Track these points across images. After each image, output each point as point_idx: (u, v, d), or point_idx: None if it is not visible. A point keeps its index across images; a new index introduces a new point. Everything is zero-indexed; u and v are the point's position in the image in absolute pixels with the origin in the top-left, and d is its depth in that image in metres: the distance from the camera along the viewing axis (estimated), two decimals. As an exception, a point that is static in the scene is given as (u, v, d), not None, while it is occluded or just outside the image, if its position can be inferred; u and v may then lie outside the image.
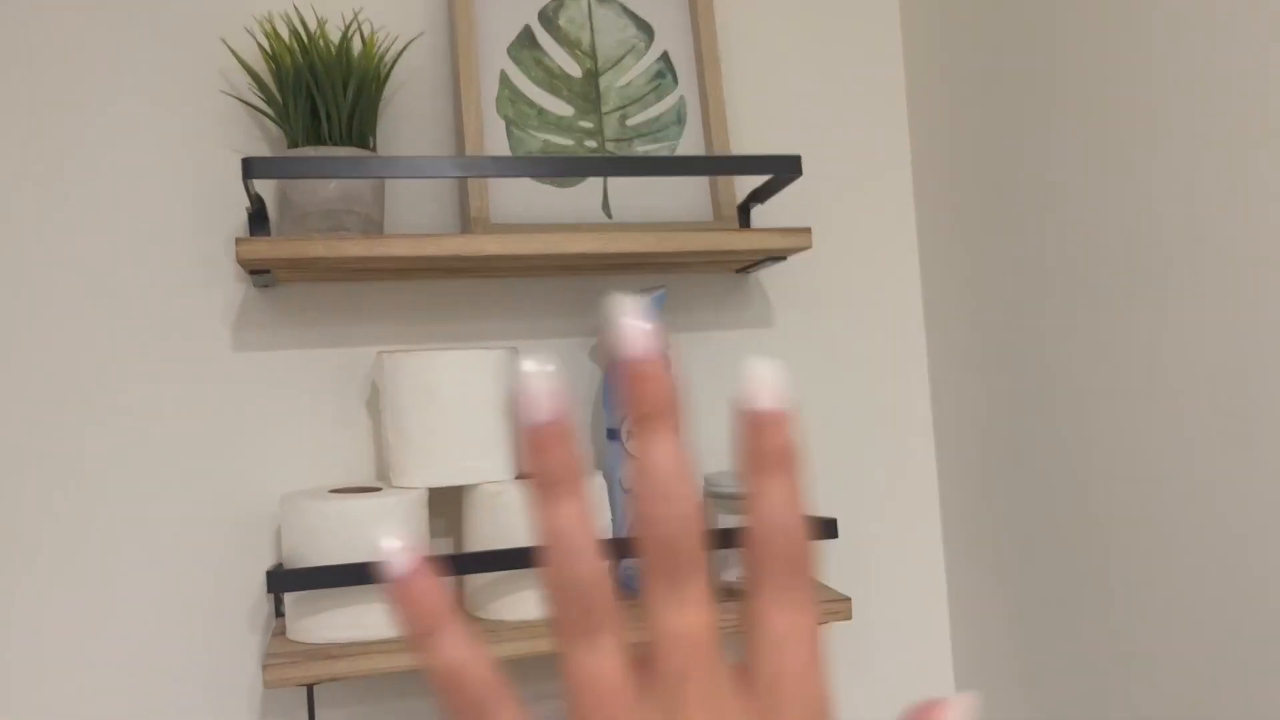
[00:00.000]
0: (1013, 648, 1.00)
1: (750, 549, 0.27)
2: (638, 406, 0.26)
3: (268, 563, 0.96)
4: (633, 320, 0.26)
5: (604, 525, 0.92)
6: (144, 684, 0.92)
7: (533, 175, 0.95)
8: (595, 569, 0.26)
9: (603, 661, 0.26)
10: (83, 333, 0.93)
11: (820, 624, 0.27)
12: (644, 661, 0.27)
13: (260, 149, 0.98)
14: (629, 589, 0.96)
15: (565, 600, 0.26)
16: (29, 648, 0.90)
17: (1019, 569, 0.99)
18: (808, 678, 0.27)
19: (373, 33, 0.92)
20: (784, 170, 0.92)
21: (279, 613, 0.93)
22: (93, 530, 0.92)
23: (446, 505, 0.98)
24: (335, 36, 0.98)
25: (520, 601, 0.89)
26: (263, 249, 0.83)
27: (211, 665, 0.94)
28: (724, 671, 0.27)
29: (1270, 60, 0.68)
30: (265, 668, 0.81)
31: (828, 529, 0.92)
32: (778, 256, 1.00)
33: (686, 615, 0.26)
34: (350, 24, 0.93)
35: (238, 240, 0.82)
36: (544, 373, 0.25)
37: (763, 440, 0.27)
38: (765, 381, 0.27)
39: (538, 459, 0.26)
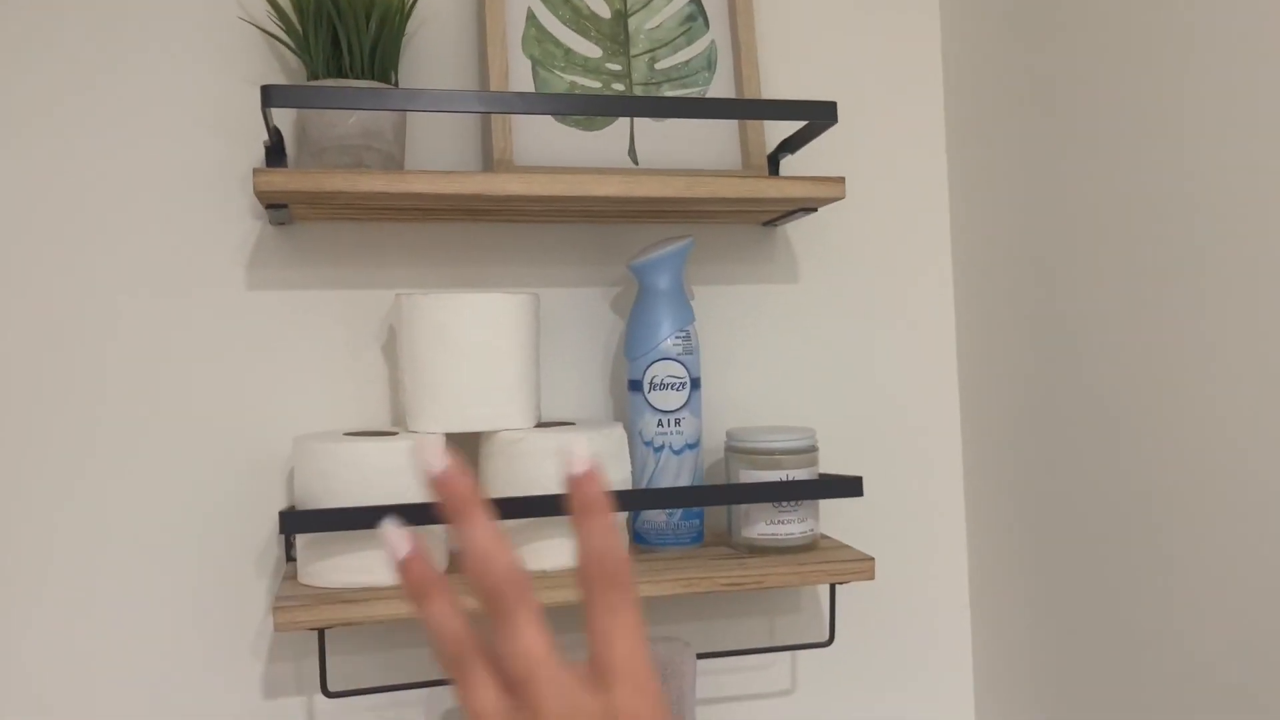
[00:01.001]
0: (1032, 608, 0.98)
1: (580, 571, 0.36)
2: (447, 508, 0.36)
3: (279, 506, 0.94)
4: (428, 450, 0.36)
5: (624, 476, 0.90)
6: (150, 625, 0.91)
7: (558, 113, 0.92)
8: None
9: (488, 692, 0.35)
10: (93, 268, 0.90)
11: (640, 622, 0.36)
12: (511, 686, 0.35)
13: (279, 81, 0.95)
14: (643, 542, 0.94)
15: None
16: (34, 587, 0.88)
17: (1041, 530, 0.97)
18: (633, 660, 0.35)
19: (396, -37, 0.89)
20: (818, 116, 0.89)
21: (290, 557, 0.91)
22: (100, 468, 0.90)
23: (463, 452, 0.96)
24: (357, -33, 0.95)
25: (539, 551, 0.87)
26: (280, 180, 0.80)
27: (220, 607, 0.92)
28: (564, 669, 0.35)
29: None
30: (275, 610, 0.79)
31: (852, 487, 0.90)
32: (807, 208, 0.97)
33: (522, 638, 0.35)
34: (373, -47, 0.90)
35: (255, 171, 0.80)
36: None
37: (580, 494, 0.36)
38: (578, 453, 0.37)
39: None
